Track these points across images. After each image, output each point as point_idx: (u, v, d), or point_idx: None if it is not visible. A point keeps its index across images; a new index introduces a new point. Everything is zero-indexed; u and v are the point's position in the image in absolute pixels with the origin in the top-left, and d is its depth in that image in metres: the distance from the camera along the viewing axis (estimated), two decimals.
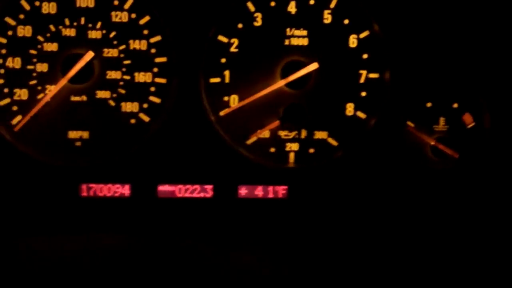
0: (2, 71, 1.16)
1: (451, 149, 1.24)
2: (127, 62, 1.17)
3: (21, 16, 1.15)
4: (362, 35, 1.20)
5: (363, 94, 1.22)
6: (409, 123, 1.24)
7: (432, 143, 1.24)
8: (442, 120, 1.25)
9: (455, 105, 1.25)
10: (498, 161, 1.24)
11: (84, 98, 1.18)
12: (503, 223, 1.22)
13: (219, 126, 1.20)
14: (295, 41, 1.19)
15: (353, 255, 1.13)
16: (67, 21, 1.15)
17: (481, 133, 1.25)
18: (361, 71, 1.21)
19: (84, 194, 1.18)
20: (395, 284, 1.02)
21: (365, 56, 1.21)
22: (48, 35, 1.15)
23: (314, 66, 1.18)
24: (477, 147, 1.25)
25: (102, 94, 1.18)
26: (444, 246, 1.17)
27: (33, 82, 1.16)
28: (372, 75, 1.21)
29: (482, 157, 1.24)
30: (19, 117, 1.17)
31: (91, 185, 1.18)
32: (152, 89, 1.19)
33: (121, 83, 1.18)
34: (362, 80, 1.21)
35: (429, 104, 1.24)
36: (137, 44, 1.17)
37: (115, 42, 1.17)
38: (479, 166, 1.24)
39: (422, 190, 1.24)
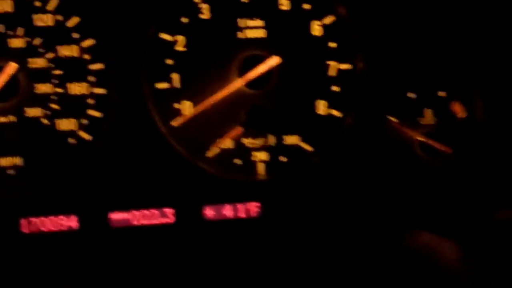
0: None
1: (442, 144, 1.08)
2: (57, 72, 1.02)
3: None
4: (327, 21, 1.06)
5: (335, 89, 1.06)
6: (391, 118, 1.08)
7: (421, 138, 1.08)
8: (428, 112, 1.09)
9: (442, 94, 1.09)
10: (495, 157, 1.09)
11: (12, 118, 1.02)
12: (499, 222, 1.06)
13: (172, 139, 1.05)
14: (250, 33, 1.05)
15: (341, 277, 0.99)
16: None
17: (474, 125, 1.09)
18: (329, 62, 1.06)
19: (25, 230, 1.02)
20: None
21: (332, 45, 1.06)
22: None
23: (275, 60, 1.03)
24: (470, 142, 1.09)
25: (32, 112, 1.03)
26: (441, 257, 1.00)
27: None
28: (343, 66, 1.06)
29: (478, 153, 1.09)
30: None
31: (31, 219, 1.03)
32: (90, 101, 1.04)
33: (53, 97, 1.03)
34: (332, 73, 1.06)
35: (411, 95, 1.09)
36: (67, 51, 1.02)
37: (41, 50, 1.02)
38: (475, 162, 1.09)
39: (415, 194, 1.09)
